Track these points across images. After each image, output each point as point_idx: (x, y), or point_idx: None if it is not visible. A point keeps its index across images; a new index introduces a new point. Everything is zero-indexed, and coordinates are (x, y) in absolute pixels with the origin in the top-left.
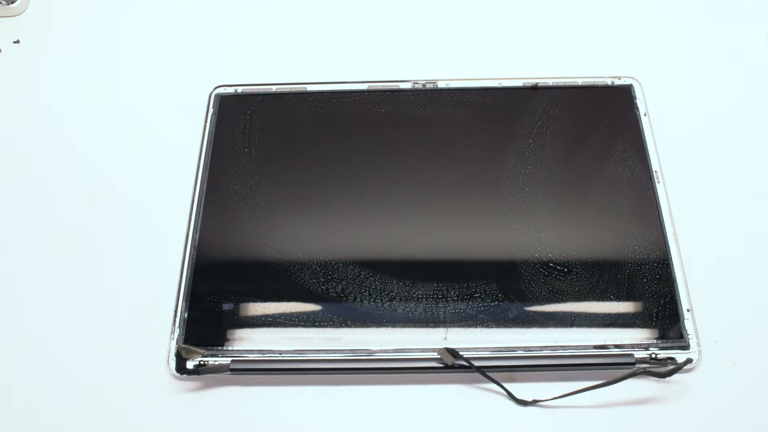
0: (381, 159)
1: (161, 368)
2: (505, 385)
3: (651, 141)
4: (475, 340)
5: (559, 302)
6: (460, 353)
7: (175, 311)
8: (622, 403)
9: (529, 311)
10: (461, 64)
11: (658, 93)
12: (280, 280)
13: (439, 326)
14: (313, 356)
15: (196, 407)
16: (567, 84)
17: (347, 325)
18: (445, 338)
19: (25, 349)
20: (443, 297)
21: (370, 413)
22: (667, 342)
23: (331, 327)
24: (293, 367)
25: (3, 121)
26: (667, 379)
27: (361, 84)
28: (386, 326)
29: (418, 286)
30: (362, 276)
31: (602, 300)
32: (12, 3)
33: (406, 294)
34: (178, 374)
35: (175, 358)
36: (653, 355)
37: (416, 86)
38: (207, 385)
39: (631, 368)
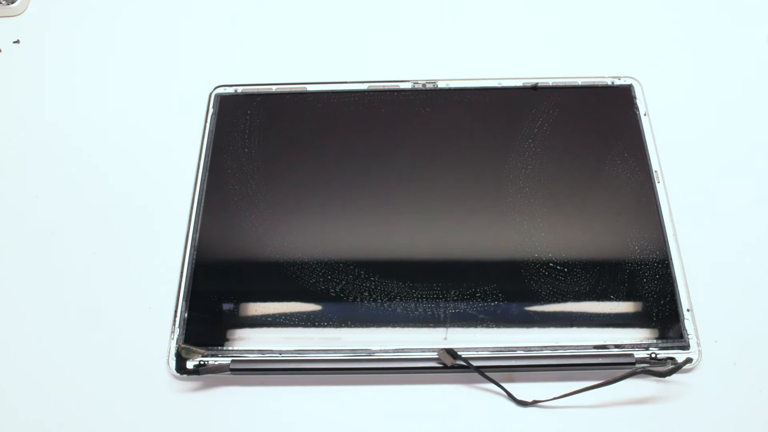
0: (381, 159)
1: (161, 368)
2: (505, 385)
3: (651, 141)
4: (474, 340)
5: (559, 302)
6: (459, 354)
7: (175, 311)
8: (622, 403)
9: (529, 311)
10: (461, 64)
11: (658, 93)
12: (280, 280)
13: (438, 326)
14: (313, 356)
15: (196, 407)
16: (567, 84)
17: (347, 325)
18: (445, 338)
19: (25, 349)
20: (443, 297)
21: (369, 413)
22: (667, 342)
23: (331, 327)
24: (293, 367)
25: (3, 121)
26: (667, 378)
27: (361, 84)
28: (386, 326)
29: (417, 286)
30: (362, 276)
31: (602, 300)
32: (12, 3)
33: (405, 294)
34: (178, 374)
35: (175, 358)
36: (653, 355)
37: (416, 86)
38: (207, 385)
39: (631, 368)
